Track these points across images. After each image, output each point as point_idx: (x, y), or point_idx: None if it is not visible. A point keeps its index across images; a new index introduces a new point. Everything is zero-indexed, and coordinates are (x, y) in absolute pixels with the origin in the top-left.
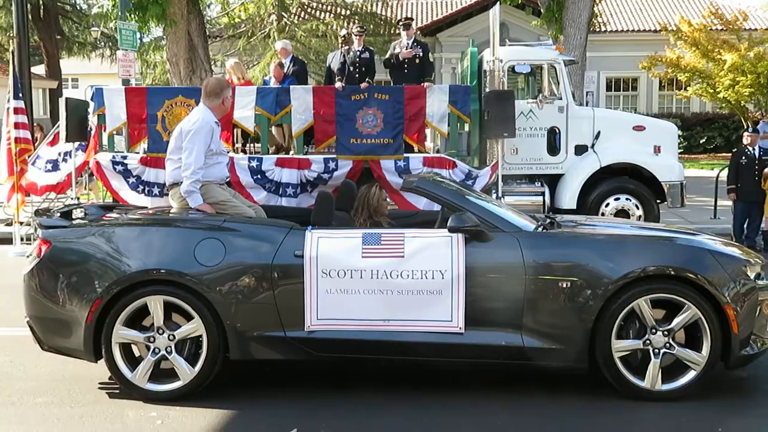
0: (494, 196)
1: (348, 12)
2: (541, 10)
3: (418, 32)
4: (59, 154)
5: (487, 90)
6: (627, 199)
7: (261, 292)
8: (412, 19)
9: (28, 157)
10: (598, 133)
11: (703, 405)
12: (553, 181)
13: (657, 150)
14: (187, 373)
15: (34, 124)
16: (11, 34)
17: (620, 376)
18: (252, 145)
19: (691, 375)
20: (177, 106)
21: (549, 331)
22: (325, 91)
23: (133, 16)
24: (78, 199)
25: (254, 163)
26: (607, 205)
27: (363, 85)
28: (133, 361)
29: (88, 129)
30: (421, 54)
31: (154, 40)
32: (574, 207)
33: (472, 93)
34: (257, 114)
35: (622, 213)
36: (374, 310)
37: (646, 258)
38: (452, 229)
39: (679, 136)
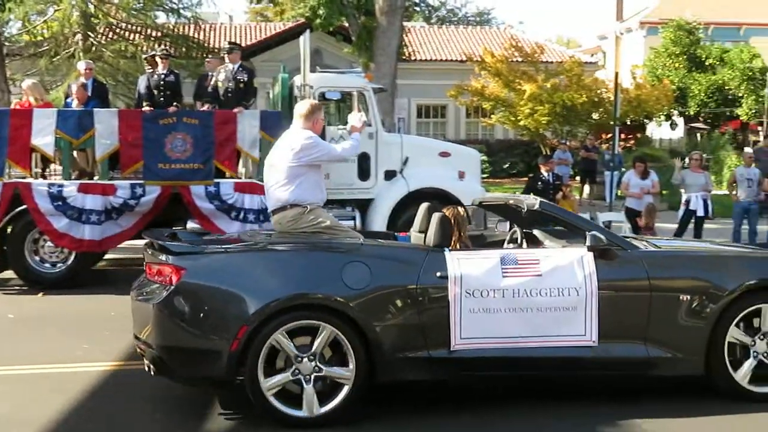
0: None
1: (159, 33)
2: (353, 38)
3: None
4: None
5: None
6: None
7: (406, 313)
8: (237, 44)
9: None
10: (407, 159)
11: None
12: (363, 205)
13: (461, 175)
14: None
15: None
16: None
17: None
18: (53, 169)
19: None
20: None
21: (671, 341)
22: (131, 114)
23: None
24: None
25: (54, 190)
26: None
27: (171, 109)
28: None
29: None
30: (245, 79)
31: None
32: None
33: (283, 118)
34: (58, 138)
35: None
36: (514, 328)
37: (754, 272)
38: (591, 248)
39: (483, 161)
